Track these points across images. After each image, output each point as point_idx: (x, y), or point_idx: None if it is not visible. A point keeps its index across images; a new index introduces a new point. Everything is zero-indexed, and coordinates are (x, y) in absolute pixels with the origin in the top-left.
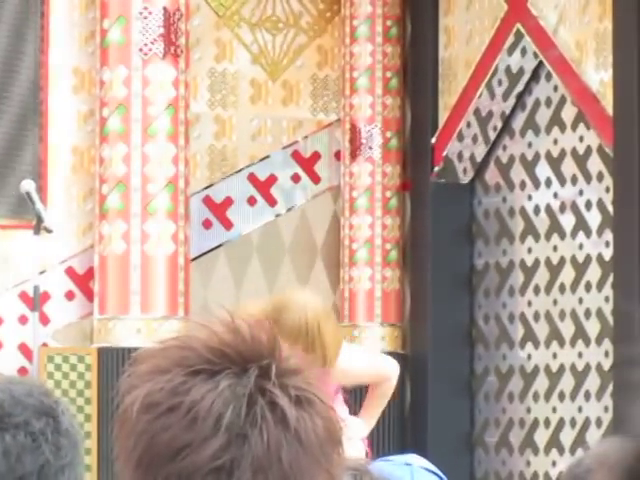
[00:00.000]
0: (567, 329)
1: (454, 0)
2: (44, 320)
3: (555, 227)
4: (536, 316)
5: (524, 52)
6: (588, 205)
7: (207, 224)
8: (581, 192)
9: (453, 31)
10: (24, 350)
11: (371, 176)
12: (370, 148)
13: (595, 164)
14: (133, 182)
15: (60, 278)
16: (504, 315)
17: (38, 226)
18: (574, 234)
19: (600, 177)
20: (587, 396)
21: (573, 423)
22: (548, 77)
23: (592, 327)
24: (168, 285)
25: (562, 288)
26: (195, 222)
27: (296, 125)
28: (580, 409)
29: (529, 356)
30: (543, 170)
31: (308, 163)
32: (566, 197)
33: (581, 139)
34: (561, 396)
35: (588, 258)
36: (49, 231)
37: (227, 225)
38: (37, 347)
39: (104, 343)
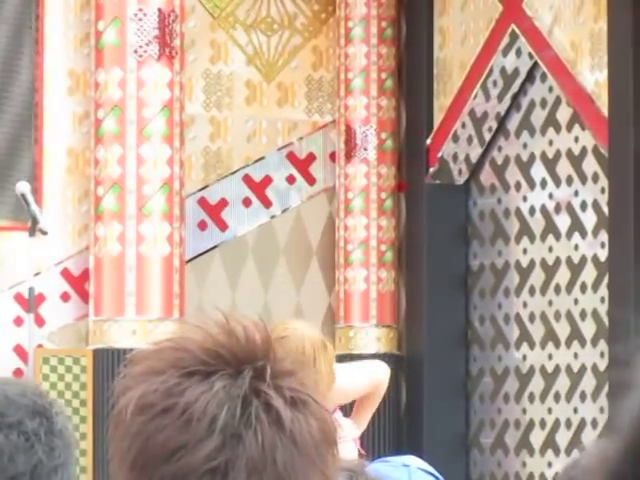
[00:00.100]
0: (562, 330)
1: (449, 1)
2: (39, 322)
3: (550, 228)
4: (531, 317)
5: (519, 53)
6: (583, 206)
7: (202, 225)
8: (576, 193)
9: (448, 32)
10: (19, 352)
11: (366, 177)
12: (365, 149)
13: (590, 165)
14: (128, 184)
15: (55, 280)
16: (499, 316)
17: (33, 228)
18: (569, 235)
19: (595, 178)
20: (583, 397)
21: (569, 424)
22: (543, 78)
23: (587, 328)
24: (163, 287)
25: (557, 289)
26: (190, 223)
27: (291, 126)
28: (576, 410)
29: (524, 357)
30: (538, 171)
31: (303, 164)
32: (561, 198)
33: (576, 140)
34: (557, 397)
35: (583, 259)
36: (44, 233)
37: (222, 226)
38: (32, 349)
39: (99, 345)
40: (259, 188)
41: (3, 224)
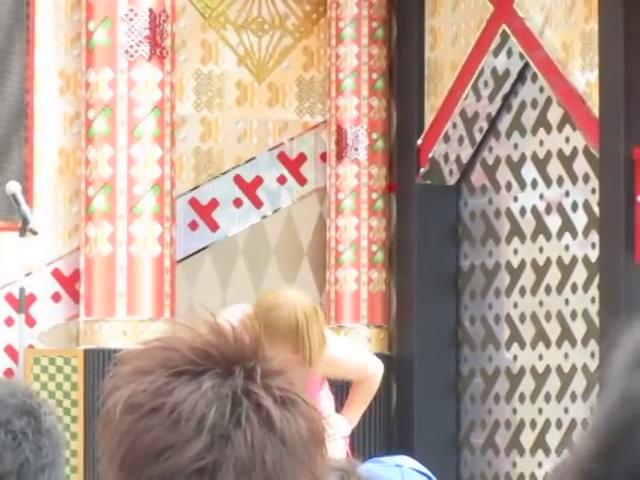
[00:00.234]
0: (553, 330)
1: (440, 1)
2: (30, 322)
3: (541, 228)
4: (522, 317)
5: (510, 53)
6: (574, 206)
7: (193, 226)
8: (567, 193)
9: (439, 32)
10: (10, 352)
11: (357, 178)
12: (356, 150)
13: (581, 165)
14: (119, 184)
15: (46, 280)
16: (490, 316)
17: (24, 228)
18: (560, 235)
19: (586, 178)
20: (573, 397)
21: (559, 424)
22: (534, 78)
23: (578, 328)
24: (154, 287)
25: (548, 289)
26: (181, 224)
27: (282, 127)
28: (566, 410)
29: (515, 357)
30: (529, 171)
31: (294, 165)
32: (552, 198)
33: (567, 140)
34: (547, 397)
35: (574, 259)
36: (35, 233)
37: (213, 227)
38: (23, 349)
39: (90, 345)
40: (250, 188)
41: None
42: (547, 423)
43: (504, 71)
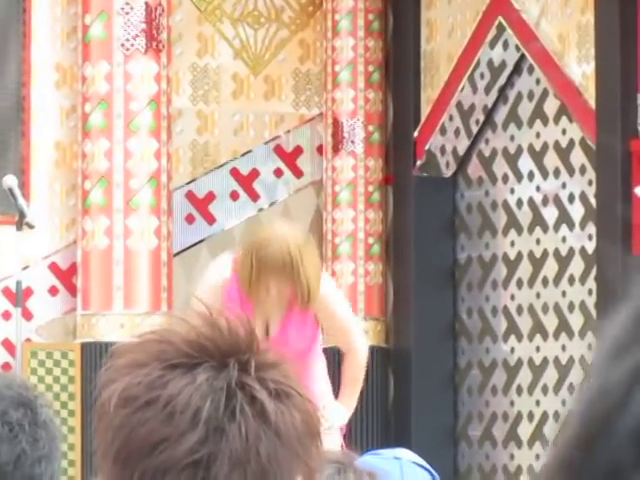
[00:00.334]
0: (550, 322)
1: None
2: (27, 316)
3: (538, 220)
4: (519, 309)
5: (506, 45)
6: (571, 198)
7: (190, 219)
8: (564, 185)
9: (435, 24)
10: (7, 346)
11: (353, 170)
12: (352, 142)
13: (578, 157)
14: (115, 177)
15: (43, 274)
16: (487, 309)
17: (21, 222)
18: (557, 227)
19: (583, 170)
20: (571, 389)
21: (556, 416)
22: (530, 70)
23: (575, 320)
24: (151, 280)
25: (545, 281)
26: (178, 217)
27: (278, 120)
28: (564, 402)
29: (512, 349)
30: (525, 163)
31: (290, 157)
32: (549, 190)
33: (564, 132)
34: (544, 389)
35: (571, 251)
36: (31, 227)
37: (210, 220)
38: (20, 343)
39: (87, 338)
40: (246, 181)
41: None
42: (544, 415)
43: (500, 63)
